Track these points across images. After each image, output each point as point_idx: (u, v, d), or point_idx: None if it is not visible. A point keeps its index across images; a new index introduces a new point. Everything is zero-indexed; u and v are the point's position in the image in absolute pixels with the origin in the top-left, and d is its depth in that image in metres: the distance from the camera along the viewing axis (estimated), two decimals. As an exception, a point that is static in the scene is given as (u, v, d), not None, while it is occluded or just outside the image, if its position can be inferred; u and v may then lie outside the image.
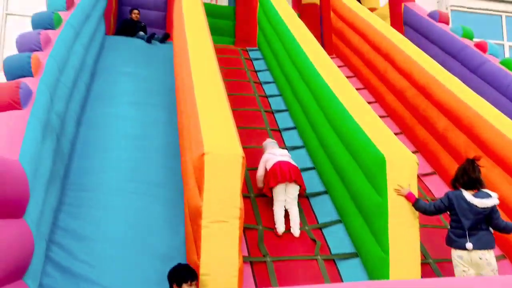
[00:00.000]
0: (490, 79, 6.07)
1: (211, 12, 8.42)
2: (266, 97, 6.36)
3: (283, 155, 4.29)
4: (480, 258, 3.23)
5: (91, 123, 4.97)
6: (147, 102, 5.44)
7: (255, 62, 7.32)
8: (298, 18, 6.54)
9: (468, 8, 11.06)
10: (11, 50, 4.41)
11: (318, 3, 9.14)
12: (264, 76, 6.89)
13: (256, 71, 7.05)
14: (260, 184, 4.31)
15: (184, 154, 4.19)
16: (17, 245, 2.67)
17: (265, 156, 4.35)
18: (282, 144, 5.38)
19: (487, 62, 6.25)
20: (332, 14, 8.18)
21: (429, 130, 5.28)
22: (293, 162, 4.25)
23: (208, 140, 3.36)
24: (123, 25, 7.74)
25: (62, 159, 4.13)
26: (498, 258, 3.75)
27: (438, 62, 5.89)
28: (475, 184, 3.36)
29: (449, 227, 3.52)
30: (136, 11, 7.83)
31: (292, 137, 5.53)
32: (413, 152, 4.65)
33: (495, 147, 4.28)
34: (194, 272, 3.06)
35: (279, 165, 4.11)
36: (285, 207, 4.10)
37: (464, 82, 5.43)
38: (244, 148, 3.53)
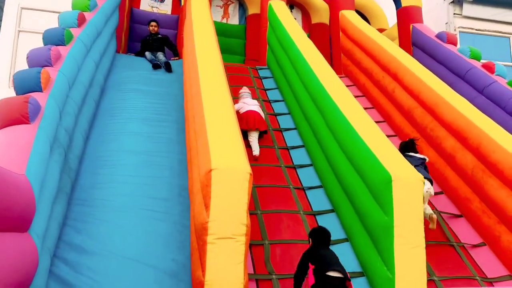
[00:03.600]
0: (497, 100, 6.06)
1: (222, 31, 8.56)
2: (275, 115, 6.40)
3: (253, 105, 5.61)
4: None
5: (100, 138, 5.01)
6: (157, 119, 5.48)
7: (264, 81, 7.39)
8: (307, 38, 6.61)
9: (476, 30, 11.11)
10: (23, 66, 4.49)
11: (328, 23, 9.25)
12: (273, 95, 6.95)
13: (265, 90, 7.12)
14: None
15: (191, 170, 4.22)
16: (21, 259, 2.67)
17: (239, 105, 5.64)
18: (290, 163, 5.40)
19: (495, 83, 6.24)
20: (341, 34, 8.25)
21: (436, 149, 5.26)
22: (259, 111, 5.56)
23: (216, 157, 3.38)
24: (142, 42, 7.65)
25: (70, 174, 4.16)
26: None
27: (446, 83, 5.91)
28: (412, 148, 4.84)
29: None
30: (153, 23, 7.63)
31: (300, 156, 5.54)
32: (420, 172, 4.65)
33: (503, 167, 4.24)
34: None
35: (247, 114, 5.45)
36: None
37: (471, 102, 5.44)
38: (252, 166, 3.54)
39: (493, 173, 4.37)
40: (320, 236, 3.51)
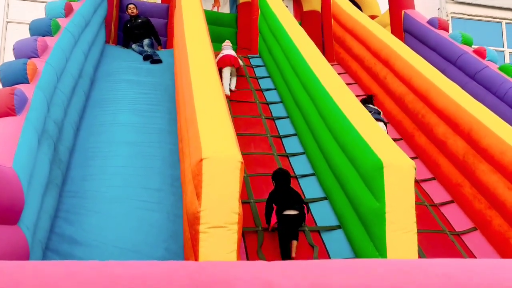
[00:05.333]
0: (488, 85, 6.07)
1: (213, 19, 8.50)
2: (267, 104, 6.38)
3: (229, 51, 6.85)
4: None
5: (90, 130, 4.97)
6: (148, 109, 5.45)
7: (256, 69, 7.36)
8: (299, 25, 6.57)
9: (468, 15, 11.11)
10: (12, 58, 4.43)
11: (319, 11, 9.19)
12: (265, 83, 6.93)
13: (257, 78, 7.09)
14: None
15: (183, 160, 4.20)
16: (11, 252, 2.66)
17: (219, 56, 6.72)
18: (282, 151, 5.40)
19: (486, 68, 6.25)
20: (333, 21, 8.21)
21: (428, 136, 5.28)
22: (234, 54, 6.81)
23: (207, 146, 3.36)
24: (124, 30, 7.62)
25: (60, 166, 4.13)
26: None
27: (438, 69, 5.90)
28: (370, 102, 5.66)
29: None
30: (131, 5, 7.54)
31: (292, 144, 5.54)
32: (412, 158, 4.66)
33: (494, 152, 4.26)
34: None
35: (223, 57, 6.65)
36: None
37: (462, 88, 5.44)
38: (245, 155, 3.54)
39: (484, 158, 4.39)
40: (280, 178, 4.05)
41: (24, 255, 2.90)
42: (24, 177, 2.95)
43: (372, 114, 5.04)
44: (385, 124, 5.43)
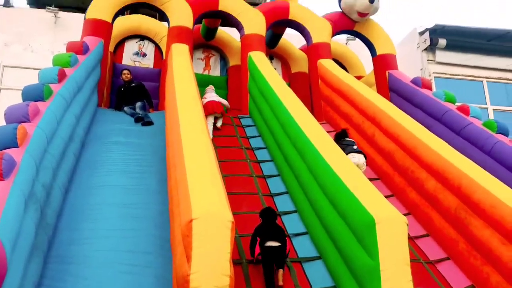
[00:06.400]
0: (474, 140, 6.19)
1: (204, 82, 8.72)
2: (258, 162, 6.41)
3: (213, 97, 7.37)
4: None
5: (80, 192, 4.91)
6: (138, 170, 5.42)
7: (246, 129, 7.47)
8: (287, 86, 6.78)
9: (450, 74, 11.55)
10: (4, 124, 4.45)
11: (307, 72, 9.52)
12: (256, 142, 7.00)
13: (248, 137, 7.18)
14: None
15: (173, 221, 4.13)
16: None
17: (204, 100, 7.19)
18: (275, 209, 5.35)
19: (471, 124, 6.41)
20: (320, 82, 8.48)
21: (419, 191, 5.29)
22: (217, 100, 7.35)
23: (197, 206, 3.33)
24: (117, 93, 7.79)
25: (46, 230, 4.01)
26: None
27: (424, 126, 6.04)
28: (346, 136, 6.03)
29: None
30: (125, 71, 7.77)
31: (284, 202, 5.50)
32: (405, 215, 4.65)
33: (485, 207, 4.26)
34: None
35: (207, 104, 7.12)
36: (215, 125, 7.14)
37: (449, 144, 5.53)
38: (236, 214, 3.50)
39: (475, 213, 4.38)
40: (266, 215, 4.37)
41: (4, 326, 2.75)
42: (8, 243, 2.86)
43: (350, 148, 5.55)
44: (364, 156, 5.68)
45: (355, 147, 5.75)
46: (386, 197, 4.91)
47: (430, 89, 7.81)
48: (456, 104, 7.21)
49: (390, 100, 7.77)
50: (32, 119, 4.35)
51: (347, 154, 5.44)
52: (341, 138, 5.93)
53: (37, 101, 4.80)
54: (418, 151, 5.35)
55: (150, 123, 6.87)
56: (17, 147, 3.80)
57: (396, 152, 5.79)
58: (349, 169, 4.37)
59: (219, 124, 7.25)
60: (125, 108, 7.37)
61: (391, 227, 3.55)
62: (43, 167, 4.12)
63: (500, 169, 5.65)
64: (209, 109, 7.08)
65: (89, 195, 4.87)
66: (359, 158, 5.60)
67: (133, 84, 7.72)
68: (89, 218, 4.49)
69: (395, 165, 5.83)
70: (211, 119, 7.07)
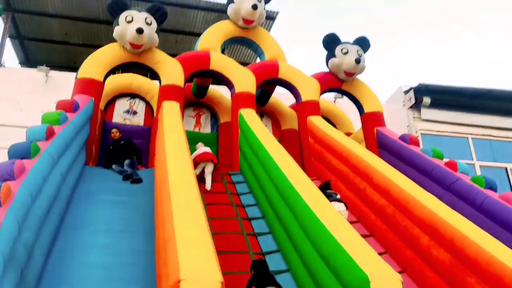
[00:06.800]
0: (464, 196, 6.21)
1: (195, 139, 8.76)
2: (249, 219, 6.30)
3: (206, 149, 7.54)
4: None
5: (62, 253, 4.70)
6: (124, 230, 5.24)
7: (237, 186, 7.41)
8: (278, 143, 6.82)
9: (436, 131, 11.80)
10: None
11: (297, 128, 9.64)
12: (247, 199, 6.92)
13: (238, 194, 7.10)
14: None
15: (159, 283, 3.97)
16: None
17: (195, 153, 7.42)
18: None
19: (459, 180, 6.46)
20: (310, 138, 8.58)
21: (413, 248, 5.20)
22: (209, 151, 7.47)
23: (185, 266, 3.22)
24: (106, 151, 7.77)
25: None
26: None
27: (414, 181, 6.06)
28: (329, 187, 6.08)
29: None
30: (114, 129, 7.85)
31: (276, 261, 5.34)
32: (399, 272, 4.52)
33: (479, 263, 4.20)
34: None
35: (200, 155, 7.30)
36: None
37: (440, 199, 5.55)
38: (226, 275, 3.38)
39: (470, 270, 4.31)
40: (258, 265, 4.36)
41: None
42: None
43: (332, 197, 5.69)
44: (346, 206, 5.71)
45: (338, 196, 5.90)
46: (380, 254, 4.82)
47: (418, 145, 7.94)
48: (444, 160, 7.30)
49: (380, 157, 7.84)
50: (17, 177, 4.24)
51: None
52: (324, 190, 6.01)
53: (24, 158, 4.71)
54: (410, 207, 5.33)
55: (139, 180, 6.79)
56: (0, 206, 3.68)
57: (388, 208, 5.76)
58: (343, 227, 4.30)
59: (208, 185, 7.08)
60: (113, 166, 7.31)
61: (385, 285, 3.44)
62: (26, 227, 3.97)
63: (490, 225, 5.64)
64: (203, 157, 7.23)
65: (73, 256, 4.67)
66: (339, 206, 5.68)
67: (122, 142, 7.74)
68: (70, 281, 4.26)
69: (387, 221, 5.77)
70: (200, 167, 7.20)
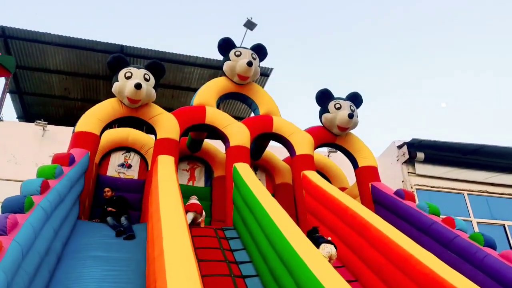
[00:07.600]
0: (463, 254, 6.09)
1: (189, 193, 8.69)
2: (243, 278, 6.11)
3: (195, 201, 7.89)
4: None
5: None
6: (115, 287, 5.10)
7: (230, 241, 7.25)
8: (272, 197, 6.77)
9: (431, 187, 11.76)
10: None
11: (291, 183, 9.61)
12: (240, 256, 6.74)
13: (232, 251, 6.93)
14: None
15: None
16: None
17: (188, 203, 7.74)
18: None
19: (458, 237, 6.36)
20: (304, 193, 8.53)
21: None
22: (197, 203, 7.81)
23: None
24: (102, 210, 7.69)
25: None
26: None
27: (411, 238, 5.96)
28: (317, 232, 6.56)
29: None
30: (106, 189, 7.92)
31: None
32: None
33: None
34: None
35: (191, 205, 7.65)
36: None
37: (439, 257, 5.42)
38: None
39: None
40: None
41: None
42: None
43: (323, 239, 6.05)
44: (335, 246, 6.05)
45: (329, 238, 6.25)
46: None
47: (414, 201, 7.89)
48: (440, 216, 7.22)
49: (375, 212, 7.78)
50: (9, 231, 4.17)
51: (320, 244, 6.07)
52: (312, 234, 6.43)
53: (17, 213, 4.66)
54: (409, 265, 5.20)
55: (132, 236, 6.65)
56: None
57: (386, 266, 5.62)
58: (340, 285, 4.18)
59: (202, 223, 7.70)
60: (108, 218, 7.20)
61: None
62: (15, 283, 3.85)
63: (491, 284, 5.50)
64: (193, 208, 7.60)
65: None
66: (331, 249, 6.04)
67: (114, 198, 7.78)
68: None
69: (386, 280, 5.61)
70: (190, 215, 7.54)
